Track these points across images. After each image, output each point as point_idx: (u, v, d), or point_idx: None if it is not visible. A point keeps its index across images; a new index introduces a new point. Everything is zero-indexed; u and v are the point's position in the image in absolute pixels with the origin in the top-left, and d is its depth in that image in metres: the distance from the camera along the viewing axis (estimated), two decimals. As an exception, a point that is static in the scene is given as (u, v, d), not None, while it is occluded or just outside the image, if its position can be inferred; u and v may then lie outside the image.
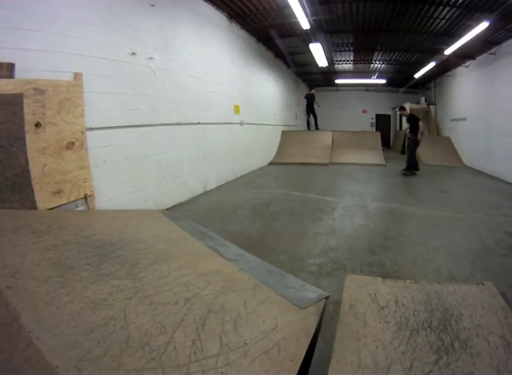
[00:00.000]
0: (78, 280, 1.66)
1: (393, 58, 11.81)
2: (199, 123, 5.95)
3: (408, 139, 8.75)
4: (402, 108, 9.29)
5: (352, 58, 12.28)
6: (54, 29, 3.17)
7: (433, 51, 9.96)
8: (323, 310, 1.64)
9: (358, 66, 13.31)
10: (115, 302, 1.54)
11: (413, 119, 8.40)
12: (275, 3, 6.80)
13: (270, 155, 10.48)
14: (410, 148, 8.53)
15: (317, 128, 13.08)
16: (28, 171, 2.71)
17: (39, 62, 3.00)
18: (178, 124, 5.28)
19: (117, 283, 1.69)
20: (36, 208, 2.75)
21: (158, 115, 4.81)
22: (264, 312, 1.60)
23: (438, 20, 7.52)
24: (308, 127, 13.56)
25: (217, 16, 6.75)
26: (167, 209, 4.55)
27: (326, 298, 1.74)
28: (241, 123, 8.05)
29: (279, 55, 10.93)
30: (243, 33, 8.16)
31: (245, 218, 4.45)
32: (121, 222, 2.80)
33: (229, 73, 7.43)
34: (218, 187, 6.62)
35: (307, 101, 13.01)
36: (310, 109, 13.06)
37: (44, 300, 1.45)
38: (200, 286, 1.78)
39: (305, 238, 3.71)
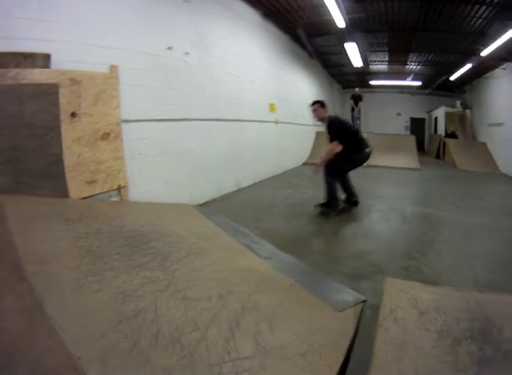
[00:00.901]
0: (108, 269, 1.60)
1: (428, 59, 11.33)
2: (234, 120, 5.92)
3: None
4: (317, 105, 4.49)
5: (387, 59, 11.90)
6: (89, 22, 3.19)
7: (469, 52, 9.44)
8: (360, 314, 1.59)
9: (393, 67, 12.87)
10: (145, 294, 1.46)
11: (334, 124, 4.31)
12: (309, 1, 6.68)
13: (304, 155, 10.30)
14: (333, 171, 4.29)
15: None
16: (62, 160, 2.70)
17: (75, 54, 3.01)
18: (213, 120, 5.25)
19: (148, 275, 1.63)
20: (68, 196, 2.73)
21: (194, 110, 4.79)
22: (301, 313, 1.55)
23: (474, 19, 7.13)
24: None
25: (251, 14, 6.69)
26: (201, 205, 4.51)
27: (363, 301, 1.69)
28: (276, 122, 7.94)
29: (313, 54, 10.74)
30: (277, 31, 8.07)
31: (279, 217, 4.39)
32: (154, 214, 2.76)
33: (264, 71, 7.36)
34: (252, 185, 6.56)
35: (354, 101, 12.67)
36: (355, 110, 12.72)
37: (71, 288, 1.39)
38: (233, 282, 1.72)
39: (341, 240, 3.64)
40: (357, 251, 3.28)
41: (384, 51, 10.78)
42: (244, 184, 6.33)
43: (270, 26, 7.65)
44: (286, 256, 2.32)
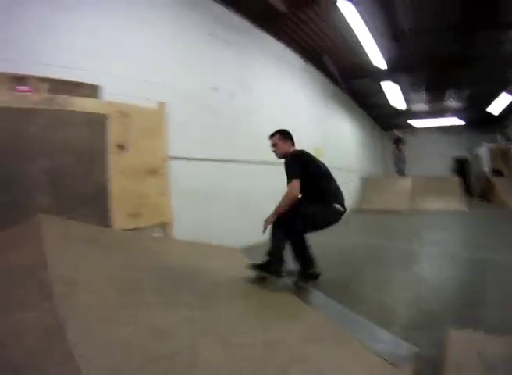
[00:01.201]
0: (143, 304, 1.53)
1: (466, 93, 10.98)
2: (278, 164, 5.88)
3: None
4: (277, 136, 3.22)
5: (426, 97, 11.64)
6: (139, 59, 3.43)
7: (506, 81, 9.10)
8: (417, 369, 1.48)
9: (432, 105, 12.57)
10: (183, 334, 1.37)
11: (291, 160, 2.97)
12: (348, 43, 6.78)
13: (348, 201, 10.02)
14: (285, 225, 2.76)
15: (403, 174, 12.29)
16: (107, 190, 2.73)
17: (124, 87, 3.17)
18: (258, 162, 5.21)
19: (188, 314, 1.56)
20: (110, 226, 2.73)
21: (239, 151, 4.82)
22: (353, 367, 1.44)
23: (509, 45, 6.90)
24: (398, 172, 12.78)
25: (292, 56, 6.88)
26: (245, 248, 4.35)
27: (418, 354, 1.59)
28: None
29: (353, 96, 10.83)
30: (318, 73, 8.20)
31: (326, 264, 4.14)
32: (197, 254, 2.76)
33: (307, 114, 7.40)
34: None
35: (396, 144, 12.46)
36: (398, 153, 12.44)
37: (98, 316, 1.31)
38: (280, 330, 1.61)
39: (392, 288, 3.39)
40: (409, 298, 3.03)
41: (422, 89, 10.58)
42: None
43: (311, 69, 7.80)
44: (336, 305, 2.24)
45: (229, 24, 4.90)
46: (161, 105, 3.39)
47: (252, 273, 2.61)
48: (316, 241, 5.32)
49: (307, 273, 2.92)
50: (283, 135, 3.13)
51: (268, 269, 2.60)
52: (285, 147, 3.10)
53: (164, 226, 3.30)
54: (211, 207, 4.20)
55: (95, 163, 2.68)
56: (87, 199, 2.61)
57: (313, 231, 2.93)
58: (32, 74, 2.57)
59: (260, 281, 2.58)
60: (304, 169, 2.85)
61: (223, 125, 4.54)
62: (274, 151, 3.15)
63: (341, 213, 2.91)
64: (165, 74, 3.68)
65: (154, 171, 3.22)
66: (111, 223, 2.73)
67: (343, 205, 2.90)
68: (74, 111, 2.61)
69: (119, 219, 2.82)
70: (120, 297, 1.49)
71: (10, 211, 2.19)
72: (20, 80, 2.50)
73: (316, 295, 2.37)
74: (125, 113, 2.96)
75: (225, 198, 4.47)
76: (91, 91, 2.82)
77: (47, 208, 2.32)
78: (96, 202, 2.67)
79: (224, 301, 1.81)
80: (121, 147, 2.90)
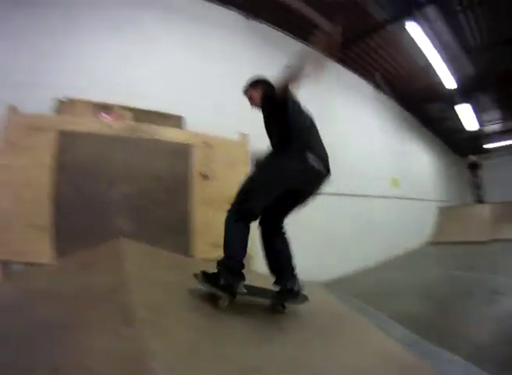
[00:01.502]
0: (229, 336, 1.45)
1: None
2: (356, 195, 5.76)
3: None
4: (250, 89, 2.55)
5: (499, 117, 10.58)
6: (220, 93, 3.60)
7: None
8: None
9: (507, 124, 11.29)
10: (271, 371, 1.25)
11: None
12: (418, 66, 6.52)
13: (426, 233, 9.38)
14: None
15: (481, 200, 11.22)
16: (189, 218, 2.78)
17: (207, 119, 3.29)
18: (336, 194, 5.08)
19: (276, 351, 1.42)
20: (190, 255, 2.73)
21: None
22: None
23: None
24: (476, 199, 11.75)
25: (362, 85, 6.82)
26: (327, 282, 4.29)
27: None
28: (399, 198, 7.54)
29: (426, 121, 10.30)
30: (390, 101, 8.02)
31: (410, 298, 4.03)
32: None
33: (380, 143, 7.21)
34: (377, 264, 6.18)
35: (471, 170, 11.57)
36: (475, 179, 11.52)
37: (183, 347, 1.22)
38: (371, 371, 1.49)
39: (481, 323, 3.13)
40: (504, 335, 2.80)
41: (496, 108, 9.64)
42: (370, 263, 5.88)
43: (382, 97, 7.64)
44: (424, 342, 2.17)
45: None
46: (244, 136, 3.45)
47: (202, 288, 1.71)
48: (393, 275, 5.13)
49: (284, 288, 1.98)
50: (253, 84, 2.47)
51: (217, 282, 1.68)
52: (258, 94, 2.40)
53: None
54: (293, 240, 4.11)
55: (179, 191, 2.76)
56: (169, 226, 2.65)
57: (277, 207, 2.07)
58: (116, 103, 2.77)
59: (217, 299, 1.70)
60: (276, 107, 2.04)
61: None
62: (252, 105, 2.49)
63: (318, 173, 1.95)
64: (247, 106, 3.77)
65: (237, 202, 3.26)
66: (191, 251, 2.75)
67: (324, 162, 1.98)
68: (159, 139, 2.74)
69: (200, 248, 2.83)
70: (205, 328, 1.41)
71: (92, 233, 2.30)
72: (105, 108, 2.71)
73: (400, 330, 2.29)
74: (208, 144, 3.05)
75: (306, 231, 4.32)
76: (175, 121, 2.99)
77: (128, 232, 2.38)
78: (178, 230, 2.71)
79: (312, 337, 1.66)
80: (204, 176, 2.96)
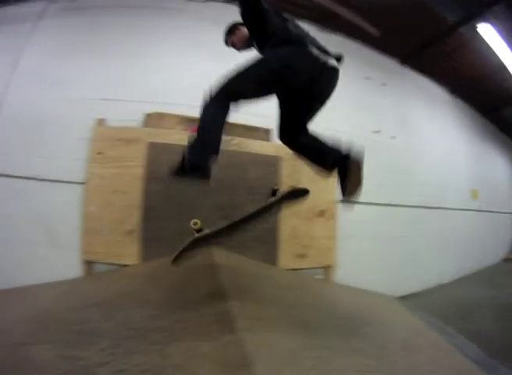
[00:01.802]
0: (325, 347, 1.43)
1: None
2: (438, 208, 5.49)
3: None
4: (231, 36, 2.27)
5: None
6: None
7: None
8: None
9: None
10: None
11: None
12: (494, 69, 5.85)
13: (504, 249, 8.53)
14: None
15: None
16: (277, 229, 2.86)
17: None
18: (419, 207, 4.96)
19: (365, 362, 1.40)
20: (275, 264, 2.80)
21: (403, 195, 4.67)
22: None
23: None
24: None
25: (439, 92, 6.46)
26: (401, 297, 4.16)
27: None
28: (479, 210, 6.97)
29: (504, 128, 9.38)
30: (466, 107, 7.38)
31: (486, 319, 3.72)
32: (361, 300, 2.70)
33: (457, 151, 6.74)
34: (453, 281, 5.82)
35: None
36: None
37: (284, 357, 1.24)
38: None
39: None
40: None
41: None
42: (446, 279, 5.55)
43: (459, 103, 7.06)
44: (502, 367, 2.00)
45: (380, 66, 4.96)
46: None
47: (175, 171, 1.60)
48: (469, 292, 4.94)
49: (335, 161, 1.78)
50: (228, 33, 2.21)
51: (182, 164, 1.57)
52: (237, 36, 2.17)
53: (327, 268, 3.27)
54: (373, 252, 4.08)
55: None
56: (258, 236, 2.73)
57: (291, 113, 1.91)
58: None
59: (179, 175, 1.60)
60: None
61: (387, 168, 4.46)
62: (239, 50, 2.23)
63: (324, 65, 1.69)
64: (332, 118, 3.67)
65: (323, 214, 3.27)
66: (277, 261, 2.82)
67: (330, 56, 1.73)
68: (248, 152, 2.88)
69: (286, 258, 2.89)
70: (301, 338, 1.42)
71: (181, 241, 2.41)
72: (193, 121, 2.88)
73: (477, 352, 2.13)
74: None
75: (387, 245, 4.30)
76: (264, 134, 3.09)
77: (216, 241, 2.47)
78: (265, 240, 2.79)
79: (397, 350, 1.62)
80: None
